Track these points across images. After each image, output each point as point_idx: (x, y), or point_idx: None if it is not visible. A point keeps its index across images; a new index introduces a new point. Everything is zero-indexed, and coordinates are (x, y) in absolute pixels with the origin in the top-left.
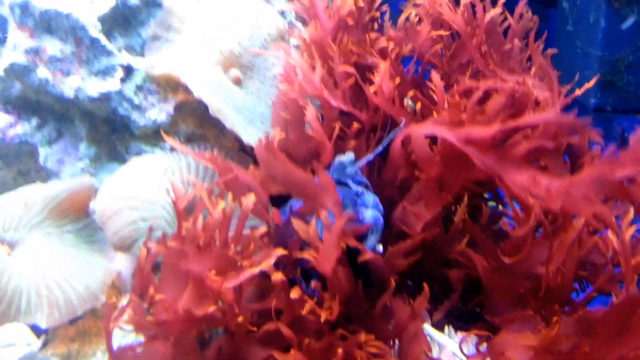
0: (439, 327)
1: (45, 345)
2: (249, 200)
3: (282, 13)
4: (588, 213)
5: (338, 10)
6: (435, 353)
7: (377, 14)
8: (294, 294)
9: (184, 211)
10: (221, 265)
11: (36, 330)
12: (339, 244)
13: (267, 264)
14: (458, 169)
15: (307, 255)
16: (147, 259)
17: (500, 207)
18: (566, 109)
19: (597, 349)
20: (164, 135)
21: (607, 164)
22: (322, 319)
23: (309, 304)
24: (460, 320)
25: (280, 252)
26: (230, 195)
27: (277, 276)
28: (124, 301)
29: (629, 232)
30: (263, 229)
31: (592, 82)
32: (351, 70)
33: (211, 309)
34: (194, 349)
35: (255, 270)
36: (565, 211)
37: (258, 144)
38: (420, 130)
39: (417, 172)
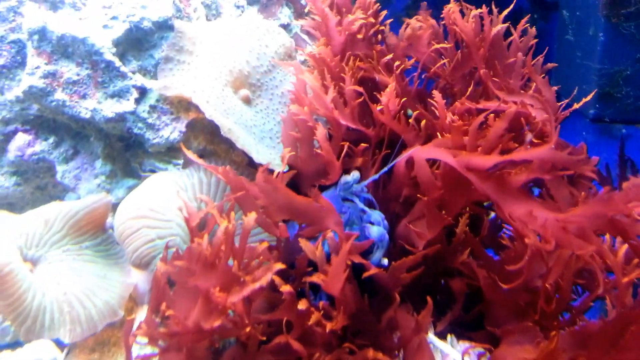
0: (441, 335)
1: (66, 355)
2: (251, 218)
3: (288, 25)
4: (582, 251)
5: (349, 26)
6: None
7: (382, 27)
8: (302, 305)
9: (196, 228)
10: (225, 281)
11: (59, 344)
12: (345, 267)
13: (266, 279)
14: (459, 192)
15: (315, 279)
16: (162, 275)
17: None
18: (566, 119)
19: None
20: (185, 150)
21: (602, 202)
22: (327, 329)
23: (316, 315)
24: (463, 328)
25: (279, 266)
26: (233, 213)
27: (286, 288)
28: (141, 313)
29: (622, 249)
30: (265, 244)
31: (590, 97)
32: (360, 89)
33: (216, 323)
34: (206, 359)
35: (256, 285)
36: (560, 247)
37: (258, 178)
38: (423, 154)
39: (419, 194)
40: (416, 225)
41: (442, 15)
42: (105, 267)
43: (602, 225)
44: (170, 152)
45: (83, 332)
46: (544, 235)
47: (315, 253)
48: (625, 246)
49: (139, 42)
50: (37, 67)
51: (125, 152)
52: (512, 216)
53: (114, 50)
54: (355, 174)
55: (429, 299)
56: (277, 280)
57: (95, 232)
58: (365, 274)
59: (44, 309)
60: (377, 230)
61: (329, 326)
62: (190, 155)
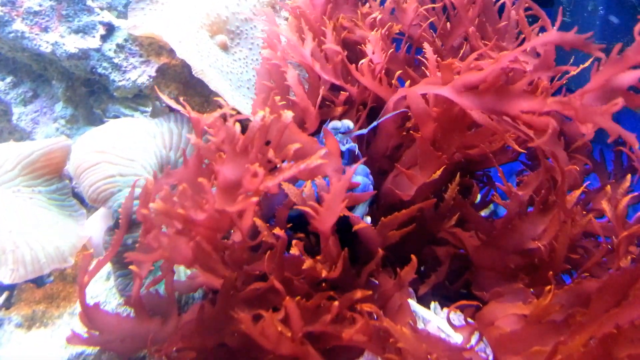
0: (424, 303)
1: (8, 307)
2: (289, 114)
3: None
4: (603, 120)
5: None
6: (420, 327)
7: None
8: (295, 250)
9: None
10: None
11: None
12: (340, 202)
13: (310, 162)
14: (453, 128)
15: (308, 209)
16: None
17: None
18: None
19: (593, 319)
20: (158, 92)
21: (614, 63)
22: (324, 276)
23: (309, 261)
24: (448, 300)
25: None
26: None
27: (281, 233)
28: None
29: (624, 201)
30: (297, 145)
31: (587, 63)
32: (338, 49)
33: (253, 199)
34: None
35: (299, 168)
36: (580, 120)
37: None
38: (414, 91)
39: (412, 132)
40: (408, 170)
41: None
42: (58, 216)
43: (617, 96)
44: (137, 99)
45: (27, 273)
46: (563, 106)
47: (301, 196)
48: (628, 198)
49: None
50: None
51: (88, 98)
52: (523, 111)
53: None
54: (346, 121)
55: (413, 257)
56: (260, 223)
57: (51, 178)
58: (355, 227)
59: None
60: (361, 180)
61: (324, 273)
62: (164, 97)
